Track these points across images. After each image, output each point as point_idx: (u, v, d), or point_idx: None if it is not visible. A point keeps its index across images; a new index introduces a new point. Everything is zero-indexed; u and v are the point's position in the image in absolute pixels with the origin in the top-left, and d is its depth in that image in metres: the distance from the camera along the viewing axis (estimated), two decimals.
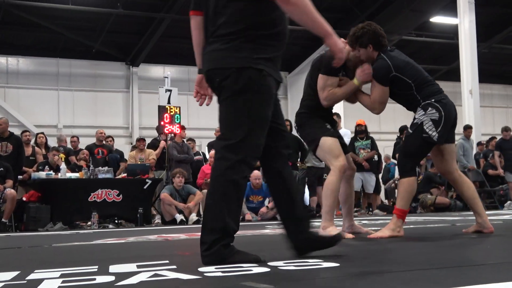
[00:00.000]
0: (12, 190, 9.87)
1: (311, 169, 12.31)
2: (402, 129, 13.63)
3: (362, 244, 4.47)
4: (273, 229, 6.79)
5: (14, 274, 2.89)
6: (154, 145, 12.98)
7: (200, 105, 3.52)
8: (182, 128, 12.46)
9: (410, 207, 11.97)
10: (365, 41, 4.82)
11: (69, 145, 13.31)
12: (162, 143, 12.52)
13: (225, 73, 3.02)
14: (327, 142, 4.79)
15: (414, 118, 4.80)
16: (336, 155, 4.78)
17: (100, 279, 2.61)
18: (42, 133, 13.22)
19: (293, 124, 5.41)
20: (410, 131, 4.81)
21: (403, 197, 4.77)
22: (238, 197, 3.01)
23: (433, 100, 4.74)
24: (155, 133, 14.19)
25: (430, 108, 4.69)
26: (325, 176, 11.38)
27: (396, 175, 14.34)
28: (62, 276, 2.76)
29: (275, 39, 3.10)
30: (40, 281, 2.61)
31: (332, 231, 4.62)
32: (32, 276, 2.79)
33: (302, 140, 12.76)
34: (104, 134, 13.09)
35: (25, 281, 2.64)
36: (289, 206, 3.27)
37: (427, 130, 4.66)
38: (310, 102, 4.94)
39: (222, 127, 3.08)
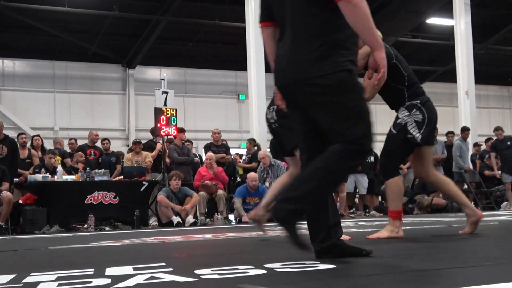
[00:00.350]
0: (9, 193, 9.84)
1: None
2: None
3: (356, 244, 4.47)
4: (270, 231, 6.78)
5: (10, 277, 2.88)
6: (150, 146, 12.95)
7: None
8: (182, 130, 12.43)
9: (404, 206, 12.02)
10: None
11: (65, 148, 13.28)
12: (159, 145, 12.51)
13: (319, 79, 3.04)
14: None
15: (398, 118, 4.79)
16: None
17: (96, 281, 2.60)
18: (38, 135, 13.19)
19: None
20: (394, 131, 4.80)
21: (393, 199, 4.84)
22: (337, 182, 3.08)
23: (418, 101, 4.78)
24: (150, 135, 14.19)
25: (414, 110, 4.73)
26: None
27: None
28: (58, 279, 2.75)
29: (352, 42, 3.13)
30: (36, 284, 2.60)
31: None
32: (28, 279, 2.78)
33: None
34: (98, 135, 13.06)
35: (21, 284, 2.63)
36: (322, 209, 3.26)
37: (411, 131, 4.68)
38: None
39: (337, 126, 3.06)
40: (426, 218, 9.49)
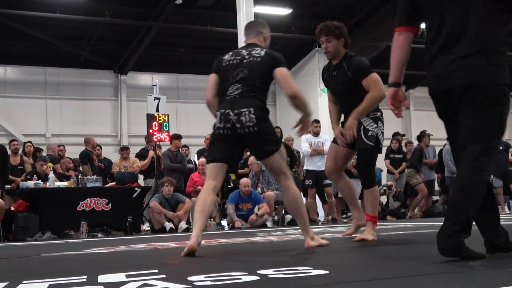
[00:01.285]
0: (0, 200, 9.80)
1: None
2: (421, 136, 13.72)
3: (350, 251, 4.48)
4: (263, 237, 6.78)
5: (1, 285, 2.87)
6: (142, 154, 12.97)
7: (400, 116, 3.69)
8: (178, 137, 12.41)
9: (397, 210, 12.02)
10: (340, 33, 5.22)
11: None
12: (151, 153, 12.52)
13: (481, 86, 3.13)
14: (283, 150, 4.67)
15: (367, 130, 5.12)
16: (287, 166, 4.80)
17: None
18: (30, 142, 13.16)
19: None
20: (371, 143, 5.09)
21: (375, 205, 5.34)
22: (481, 197, 3.15)
23: (379, 114, 5.23)
24: (143, 141, 14.17)
25: (379, 122, 5.16)
26: (309, 182, 11.42)
27: (384, 181, 14.38)
28: (50, 287, 2.75)
29: (504, 54, 3.23)
30: None
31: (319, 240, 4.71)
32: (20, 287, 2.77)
33: (290, 147, 12.89)
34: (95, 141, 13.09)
35: None
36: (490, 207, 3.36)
37: (381, 141, 5.15)
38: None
39: (476, 135, 3.17)
40: (419, 223, 9.51)
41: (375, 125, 5.10)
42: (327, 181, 11.56)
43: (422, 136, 13.80)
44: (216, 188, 4.53)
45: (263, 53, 4.68)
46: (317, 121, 12.19)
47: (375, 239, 5.14)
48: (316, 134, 11.88)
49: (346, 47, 5.28)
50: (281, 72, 4.61)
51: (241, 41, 15.53)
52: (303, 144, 11.89)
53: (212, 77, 4.81)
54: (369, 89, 5.10)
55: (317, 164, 11.56)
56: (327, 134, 12.22)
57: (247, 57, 4.67)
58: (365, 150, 5.15)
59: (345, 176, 5.60)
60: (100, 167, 12.62)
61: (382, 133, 5.17)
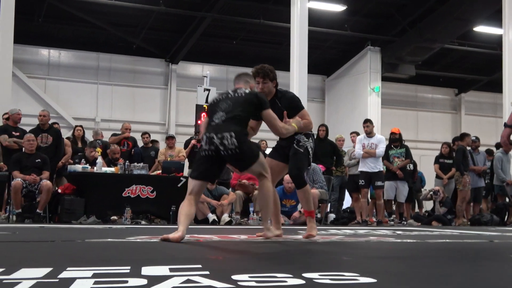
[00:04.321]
0: (48, 182, 9.97)
1: (352, 177, 12.43)
2: (463, 135, 13.45)
3: (398, 258, 4.37)
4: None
5: (46, 270, 2.86)
6: (187, 144, 13.04)
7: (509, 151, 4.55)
8: None
9: (444, 216, 11.83)
10: (274, 77, 5.84)
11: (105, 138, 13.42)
12: (193, 141, 12.58)
13: None
14: (262, 157, 5.50)
15: (299, 141, 5.81)
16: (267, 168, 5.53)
17: (133, 281, 2.57)
18: (81, 126, 13.35)
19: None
20: (302, 150, 5.80)
21: (310, 201, 6.00)
22: None
23: (311, 133, 5.96)
24: (190, 131, 14.23)
25: (311, 139, 5.90)
26: (362, 182, 11.46)
27: (431, 186, 14.12)
28: (94, 276, 2.73)
29: None
30: (72, 280, 2.58)
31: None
32: (64, 274, 2.76)
33: (337, 146, 12.79)
34: (130, 128, 13.17)
35: (57, 280, 2.61)
36: None
37: (311, 152, 5.89)
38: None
39: None
40: (466, 231, 9.29)
41: (306, 139, 5.83)
42: (379, 183, 11.58)
43: (464, 135, 13.46)
44: (196, 201, 5.50)
45: (247, 91, 5.45)
46: (366, 121, 12.10)
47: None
48: (368, 133, 11.80)
49: (276, 87, 5.89)
50: (268, 113, 5.40)
51: (294, 36, 15.52)
52: (356, 145, 11.93)
53: (204, 116, 5.70)
54: (304, 119, 5.84)
55: (370, 166, 11.61)
56: (382, 135, 12.16)
57: (232, 94, 5.42)
58: (295, 154, 5.79)
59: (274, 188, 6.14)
60: (130, 153, 12.68)
61: (312, 148, 5.89)
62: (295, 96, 6.04)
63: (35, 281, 2.53)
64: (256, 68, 5.85)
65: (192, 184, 5.41)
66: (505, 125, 4.95)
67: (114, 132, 13.39)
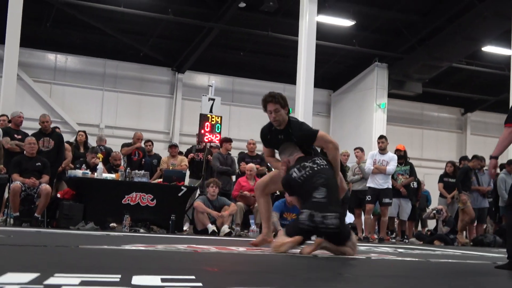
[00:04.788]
0: (47, 186, 9.87)
1: (355, 193, 12.26)
2: (474, 157, 13.35)
3: (398, 277, 4.26)
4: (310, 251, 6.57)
5: (33, 276, 2.75)
6: (188, 154, 12.97)
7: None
8: (229, 140, 12.36)
9: (446, 236, 11.76)
10: (286, 103, 5.83)
11: (108, 145, 13.33)
12: (191, 155, 12.56)
13: None
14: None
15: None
16: None
17: None
18: (84, 131, 13.26)
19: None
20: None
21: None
22: None
23: None
24: (194, 140, 14.14)
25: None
26: (369, 197, 11.34)
27: (435, 205, 13.99)
28: (81, 283, 2.62)
29: None
30: (57, 287, 2.48)
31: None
32: (50, 281, 2.65)
33: (341, 161, 12.67)
34: (142, 138, 13.12)
35: (42, 286, 2.50)
36: None
37: None
38: None
39: None
40: (469, 252, 9.14)
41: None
42: (387, 200, 11.46)
43: (474, 157, 13.34)
44: None
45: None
46: (382, 137, 12.06)
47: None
48: (382, 150, 11.68)
49: (288, 113, 5.90)
50: None
51: (302, 49, 15.46)
52: (368, 160, 11.77)
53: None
54: (324, 147, 5.97)
55: (379, 182, 11.46)
56: (393, 153, 12.01)
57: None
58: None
59: (268, 196, 6.52)
60: (140, 163, 12.63)
61: None
62: (307, 128, 5.99)
63: (18, 286, 2.43)
64: (266, 97, 5.81)
65: None
66: (491, 157, 5.05)
67: (124, 142, 13.28)
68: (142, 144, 13.11)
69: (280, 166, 5.87)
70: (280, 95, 5.79)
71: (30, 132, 11.09)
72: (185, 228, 11.25)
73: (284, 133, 5.85)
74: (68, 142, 12.42)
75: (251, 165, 11.52)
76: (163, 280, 2.84)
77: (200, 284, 2.79)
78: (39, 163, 10.06)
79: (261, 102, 5.83)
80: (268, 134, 6.00)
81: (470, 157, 13.90)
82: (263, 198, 6.39)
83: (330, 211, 5.30)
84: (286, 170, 5.73)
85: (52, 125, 11.73)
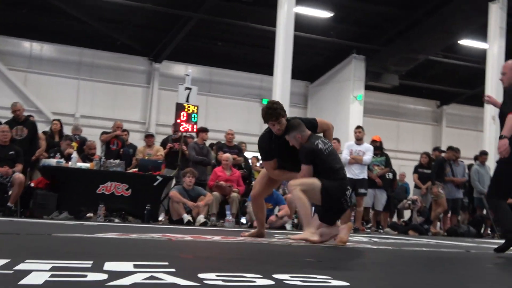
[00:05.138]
0: (21, 175, 9.75)
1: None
2: (449, 148, 13.48)
3: (372, 263, 4.27)
4: (281, 239, 6.59)
5: (3, 262, 2.72)
6: (164, 143, 12.88)
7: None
8: (205, 130, 12.30)
9: (420, 226, 11.88)
10: (284, 112, 5.92)
11: (84, 134, 13.21)
12: (169, 145, 12.49)
13: None
14: None
15: None
16: None
17: (92, 276, 2.43)
18: (59, 120, 13.12)
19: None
20: None
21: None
22: None
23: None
24: (170, 131, 14.05)
25: None
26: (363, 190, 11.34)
27: (411, 195, 14.10)
28: (52, 269, 2.58)
29: None
30: (27, 272, 2.44)
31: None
32: (21, 266, 2.61)
33: None
34: (122, 127, 13.02)
35: (12, 271, 2.46)
36: None
37: None
38: None
39: None
40: (442, 241, 9.22)
41: None
42: (362, 190, 11.48)
43: (449, 148, 13.48)
44: None
45: None
46: (359, 127, 12.12)
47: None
48: (359, 140, 11.72)
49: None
50: None
51: (279, 40, 15.41)
52: (344, 150, 11.78)
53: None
54: (326, 128, 6.16)
55: (355, 172, 11.47)
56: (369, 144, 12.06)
57: None
58: None
59: (263, 200, 6.61)
60: (118, 152, 12.53)
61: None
62: (304, 120, 6.05)
63: None
64: (265, 112, 5.83)
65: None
66: (502, 137, 5.37)
67: (104, 130, 13.18)
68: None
69: (294, 140, 5.81)
70: (278, 107, 5.81)
71: (4, 121, 10.95)
72: (160, 218, 11.20)
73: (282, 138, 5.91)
74: (43, 132, 12.29)
75: (227, 155, 11.49)
76: (135, 266, 2.82)
77: (173, 270, 2.77)
78: (12, 152, 9.93)
79: (262, 116, 5.84)
80: (272, 144, 5.99)
81: (445, 149, 14.02)
82: (260, 200, 6.51)
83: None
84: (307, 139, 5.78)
85: (27, 114, 11.56)
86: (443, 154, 13.38)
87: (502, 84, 6.45)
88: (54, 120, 13.28)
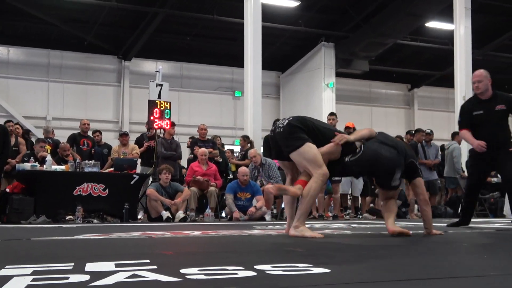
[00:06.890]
0: None
1: None
2: (417, 131, 13.56)
3: (352, 249, 4.32)
4: (262, 230, 6.62)
5: None
6: (139, 141, 12.80)
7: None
8: (172, 124, 12.27)
9: (398, 210, 11.96)
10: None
11: (57, 137, 13.07)
12: (146, 144, 12.40)
13: None
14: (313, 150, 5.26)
15: None
16: (321, 163, 5.20)
17: (74, 278, 2.44)
18: (17, 123, 12.93)
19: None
20: None
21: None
22: None
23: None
24: (144, 129, 14.00)
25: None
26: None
27: None
28: (33, 273, 2.58)
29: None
30: (8, 278, 2.43)
31: (304, 231, 5.11)
32: (1, 273, 2.61)
33: None
34: (88, 125, 12.87)
35: None
36: None
37: None
38: None
39: None
40: (420, 223, 9.31)
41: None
42: (336, 178, 11.47)
43: (417, 131, 13.56)
44: None
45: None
46: (332, 114, 12.22)
47: None
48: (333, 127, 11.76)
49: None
50: None
51: (248, 32, 15.41)
52: None
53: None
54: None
55: None
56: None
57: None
58: None
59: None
60: (90, 152, 12.43)
61: None
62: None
63: None
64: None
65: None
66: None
67: (72, 133, 13.01)
68: (90, 134, 12.92)
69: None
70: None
71: None
72: (139, 216, 11.16)
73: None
74: (23, 136, 12.16)
75: (203, 149, 11.48)
76: (117, 266, 2.82)
77: (155, 267, 2.78)
78: None
79: None
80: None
81: None
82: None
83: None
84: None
85: None
86: (413, 138, 13.49)
87: (476, 91, 6.96)
88: (6, 121, 12.95)
